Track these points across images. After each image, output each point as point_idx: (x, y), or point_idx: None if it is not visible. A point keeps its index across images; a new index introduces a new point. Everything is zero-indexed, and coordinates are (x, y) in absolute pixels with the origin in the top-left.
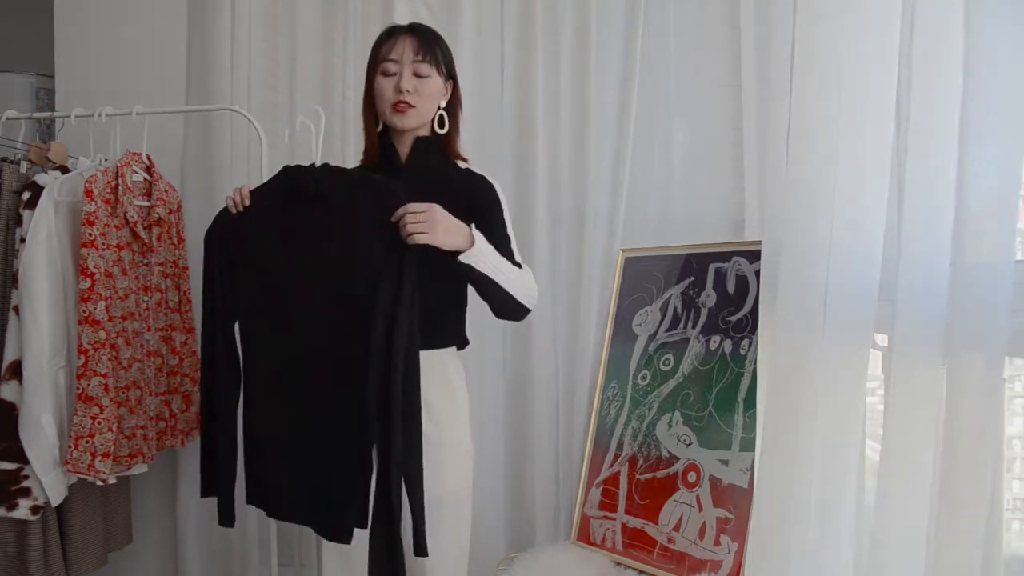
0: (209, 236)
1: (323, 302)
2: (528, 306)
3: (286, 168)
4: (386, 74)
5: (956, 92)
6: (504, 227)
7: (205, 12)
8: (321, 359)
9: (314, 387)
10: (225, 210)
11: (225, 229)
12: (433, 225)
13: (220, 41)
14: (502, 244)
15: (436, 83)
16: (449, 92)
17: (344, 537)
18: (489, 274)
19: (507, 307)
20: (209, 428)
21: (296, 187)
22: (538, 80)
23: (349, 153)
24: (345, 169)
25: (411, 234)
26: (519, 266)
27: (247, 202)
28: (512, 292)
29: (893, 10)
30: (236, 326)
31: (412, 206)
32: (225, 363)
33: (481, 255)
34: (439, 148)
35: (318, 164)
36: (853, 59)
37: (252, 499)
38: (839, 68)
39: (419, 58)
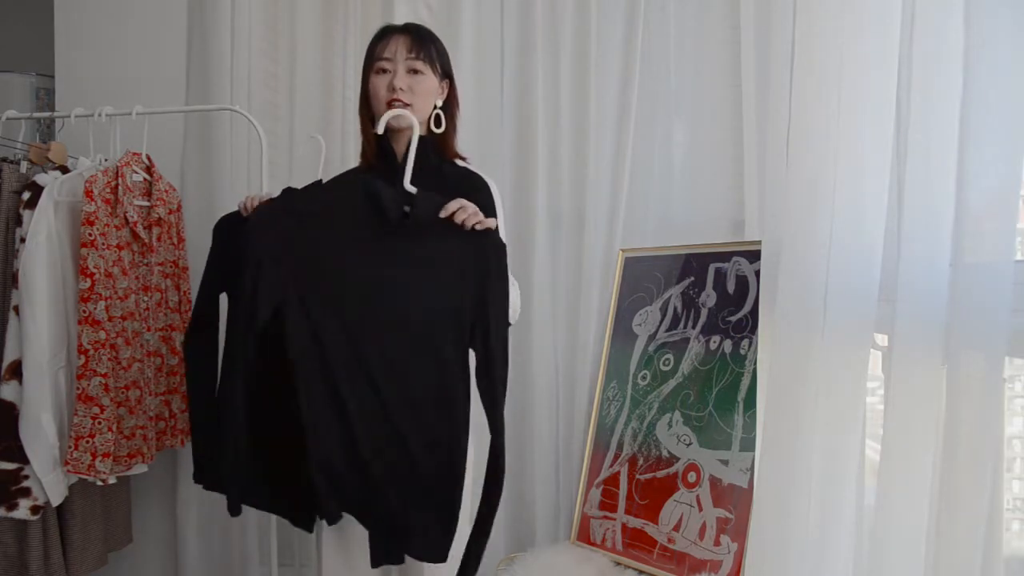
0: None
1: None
2: (509, 320)
3: (366, 184)
4: (380, 73)
5: (956, 92)
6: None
7: (205, 12)
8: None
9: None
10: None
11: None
12: (480, 213)
13: (220, 41)
14: None
15: (430, 81)
16: (445, 91)
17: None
18: None
19: None
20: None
21: (384, 214)
22: (538, 80)
23: (349, 153)
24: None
25: (477, 223)
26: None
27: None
28: None
29: (893, 10)
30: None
31: (461, 202)
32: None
33: None
34: (436, 147)
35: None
36: (853, 59)
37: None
38: (839, 68)
39: (412, 56)
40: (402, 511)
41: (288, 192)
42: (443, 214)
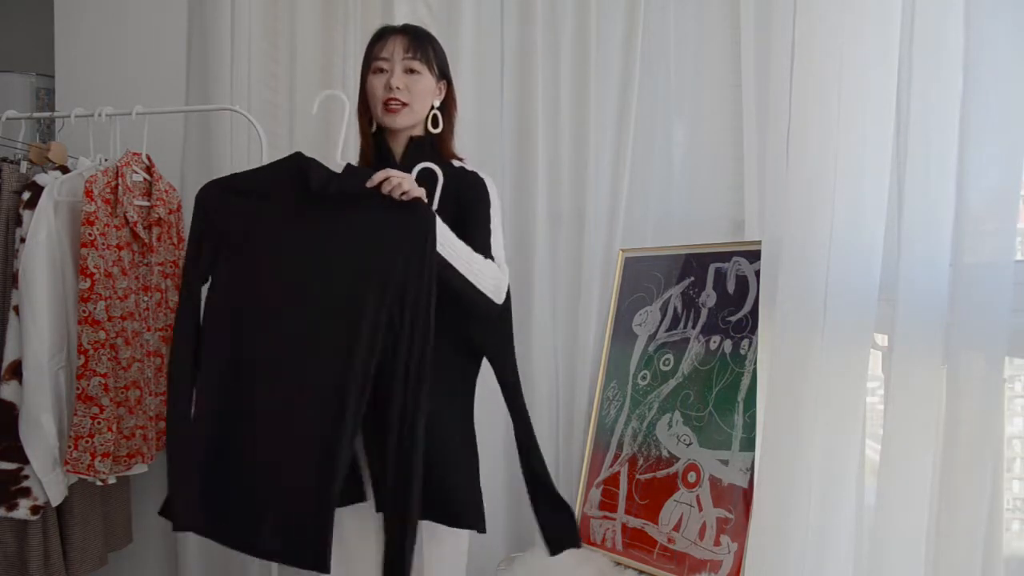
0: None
1: (319, 304)
2: (492, 297)
3: (300, 159)
4: (377, 72)
5: (956, 92)
6: (487, 220)
7: (205, 12)
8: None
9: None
10: (231, 177)
11: (224, 196)
12: (412, 183)
13: (220, 41)
14: (481, 235)
15: (427, 81)
16: (443, 92)
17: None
18: (445, 256)
19: (471, 301)
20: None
21: (309, 184)
22: (538, 80)
23: (349, 154)
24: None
25: (404, 192)
26: (487, 251)
27: None
28: (471, 279)
29: (893, 10)
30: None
31: (388, 172)
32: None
33: (447, 244)
34: (433, 148)
35: (341, 143)
36: (853, 59)
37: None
38: (839, 68)
39: (410, 56)
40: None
41: (233, 175)
42: (369, 184)
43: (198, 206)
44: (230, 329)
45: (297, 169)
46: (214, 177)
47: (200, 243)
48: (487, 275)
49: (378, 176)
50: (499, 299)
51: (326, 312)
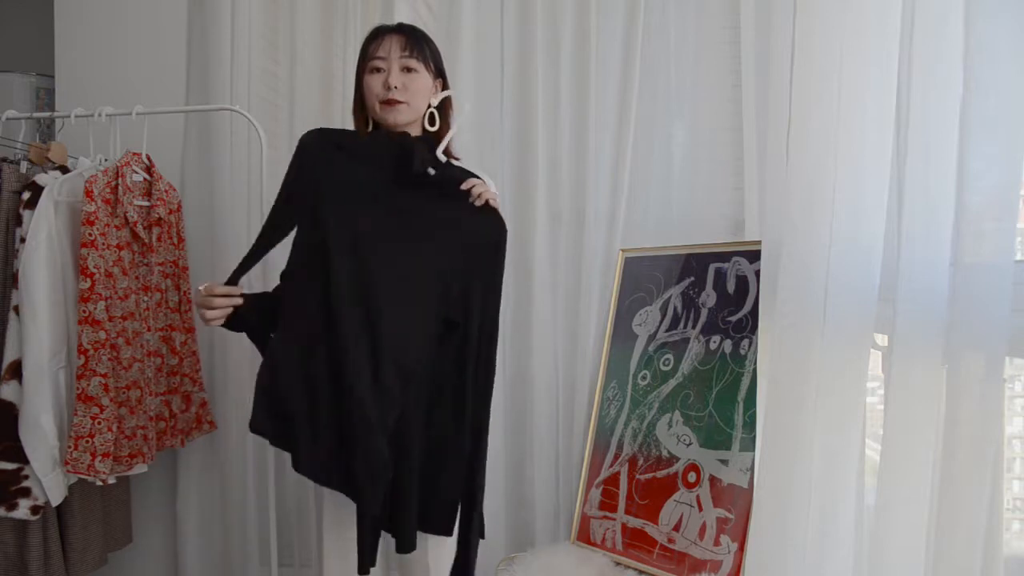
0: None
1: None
2: None
3: (406, 138)
4: (374, 72)
5: (956, 92)
6: None
7: (205, 12)
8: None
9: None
10: (336, 131)
11: (326, 147)
12: (492, 195)
13: (220, 41)
14: None
15: (424, 79)
16: (439, 91)
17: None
18: None
19: None
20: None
21: (412, 165)
22: (538, 80)
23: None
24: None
25: (489, 199)
26: None
27: None
28: None
29: (893, 10)
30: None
31: (475, 182)
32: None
33: None
34: (430, 146)
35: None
36: (853, 59)
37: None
38: (839, 68)
39: (406, 54)
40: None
41: (339, 130)
42: (465, 186)
43: (300, 150)
44: (325, 274)
45: (401, 147)
46: (214, 177)
47: (292, 188)
48: None
49: (472, 180)
50: None
51: (405, 290)
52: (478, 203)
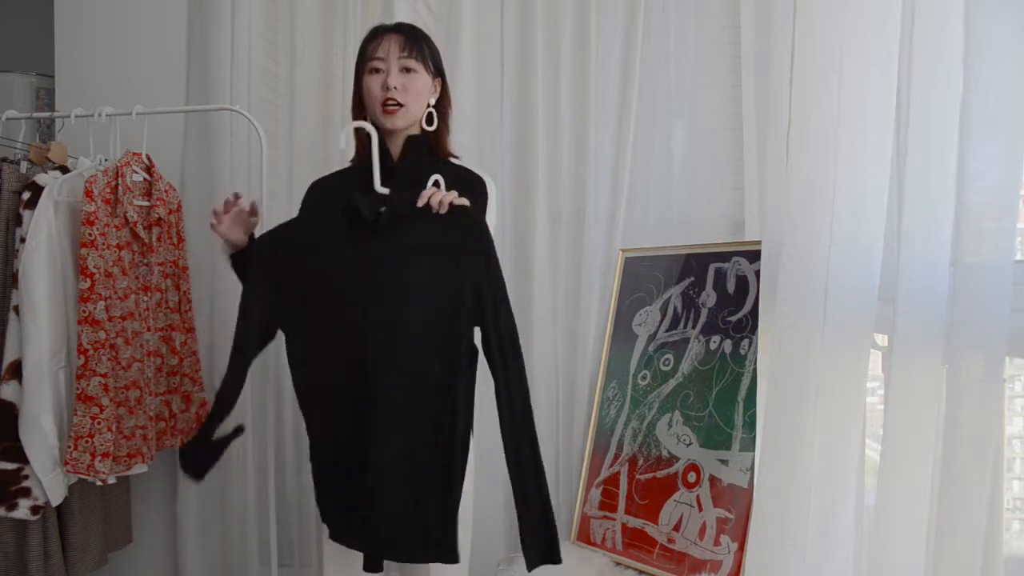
0: (262, 247)
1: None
2: None
3: (350, 195)
4: (373, 72)
5: (956, 92)
6: None
7: (205, 12)
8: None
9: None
10: (281, 228)
11: (278, 247)
12: (454, 195)
13: (220, 41)
14: None
15: (423, 80)
16: (438, 90)
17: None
18: None
19: None
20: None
21: (361, 215)
22: (538, 80)
23: (349, 154)
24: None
25: (451, 201)
26: None
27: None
28: None
29: (893, 10)
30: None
31: (432, 189)
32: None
33: None
34: (430, 147)
35: (377, 179)
36: (853, 59)
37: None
38: (839, 68)
39: (405, 54)
40: (401, 511)
41: (281, 227)
42: (420, 203)
43: (256, 258)
44: (321, 366)
45: (347, 202)
46: (214, 177)
47: (259, 292)
48: None
49: (425, 194)
50: None
51: (401, 335)
52: (442, 211)
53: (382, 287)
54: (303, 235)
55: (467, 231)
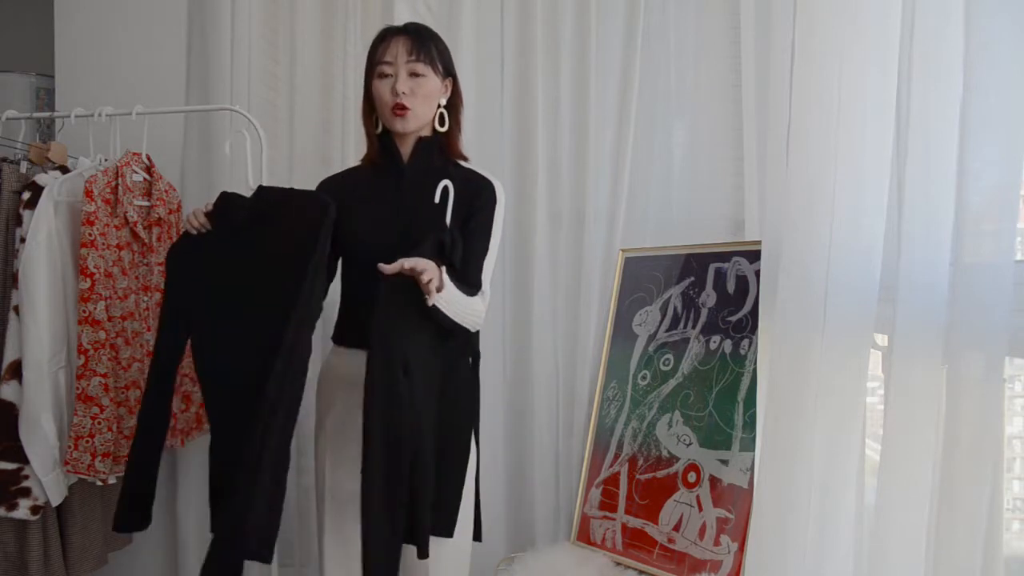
0: (172, 255)
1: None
2: (470, 328)
3: (223, 194)
4: (382, 76)
5: (956, 92)
6: (487, 235)
7: (205, 12)
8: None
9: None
10: (186, 233)
11: (187, 251)
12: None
13: (220, 41)
14: (476, 252)
15: (433, 82)
16: (449, 90)
17: None
18: (446, 312)
19: (450, 329)
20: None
21: (230, 216)
22: (538, 80)
23: (349, 153)
24: (278, 189)
25: (431, 291)
26: (478, 285)
27: (204, 223)
28: (458, 320)
29: (893, 10)
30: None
31: (423, 263)
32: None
33: (447, 298)
34: (441, 148)
35: (252, 182)
36: (853, 59)
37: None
38: (839, 68)
39: (413, 58)
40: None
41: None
42: (388, 271)
43: (168, 271)
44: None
45: (224, 207)
46: (214, 176)
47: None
48: (473, 315)
49: (396, 266)
50: (476, 328)
51: (253, 327)
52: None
53: (243, 288)
54: (201, 243)
55: (307, 212)
